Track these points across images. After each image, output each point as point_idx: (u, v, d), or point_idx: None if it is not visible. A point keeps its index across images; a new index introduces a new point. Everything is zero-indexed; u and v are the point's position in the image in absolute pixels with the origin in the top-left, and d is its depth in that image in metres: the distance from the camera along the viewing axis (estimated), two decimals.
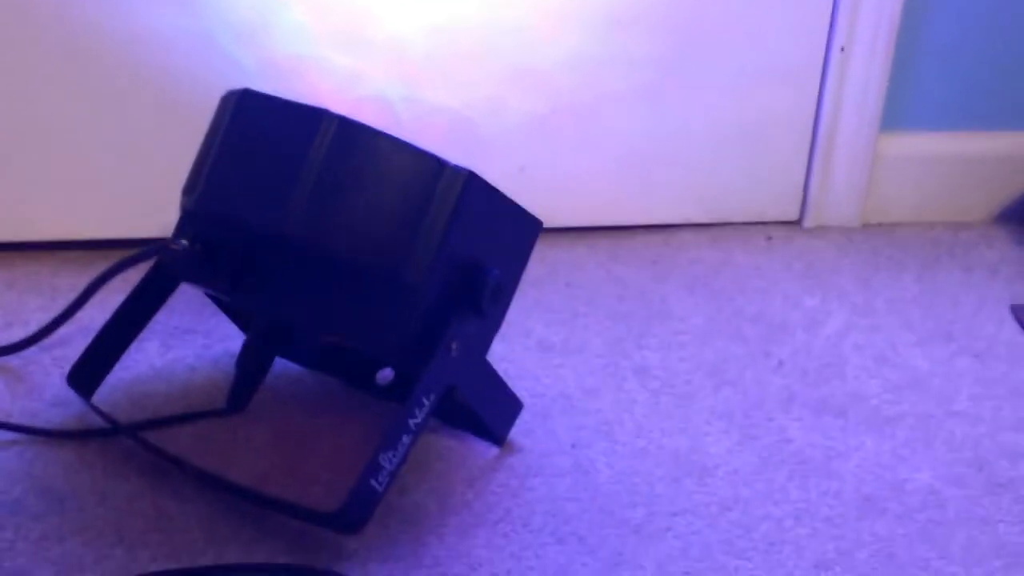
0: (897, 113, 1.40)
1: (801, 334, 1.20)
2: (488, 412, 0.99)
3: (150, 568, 0.87)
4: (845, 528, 0.95)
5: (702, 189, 1.38)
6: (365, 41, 1.25)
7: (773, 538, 0.93)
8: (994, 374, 1.15)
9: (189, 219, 0.96)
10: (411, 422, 0.90)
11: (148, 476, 0.96)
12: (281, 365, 1.09)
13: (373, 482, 0.88)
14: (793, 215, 1.42)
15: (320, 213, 0.89)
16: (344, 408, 1.06)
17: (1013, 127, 1.43)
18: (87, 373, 1.02)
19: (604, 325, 1.20)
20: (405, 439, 0.90)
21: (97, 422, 1.00)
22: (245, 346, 1.00)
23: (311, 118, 0.91)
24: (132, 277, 1.05)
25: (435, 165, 0.90)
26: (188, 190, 0.97)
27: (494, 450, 1.02)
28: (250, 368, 1.00)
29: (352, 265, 0.90)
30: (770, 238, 1.39)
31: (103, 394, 1.04)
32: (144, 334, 1.06)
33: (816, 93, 1.36)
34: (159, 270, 1.02)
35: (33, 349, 1.10)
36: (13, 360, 1.09)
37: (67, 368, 1.03)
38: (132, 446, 0.99)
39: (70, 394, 1.03)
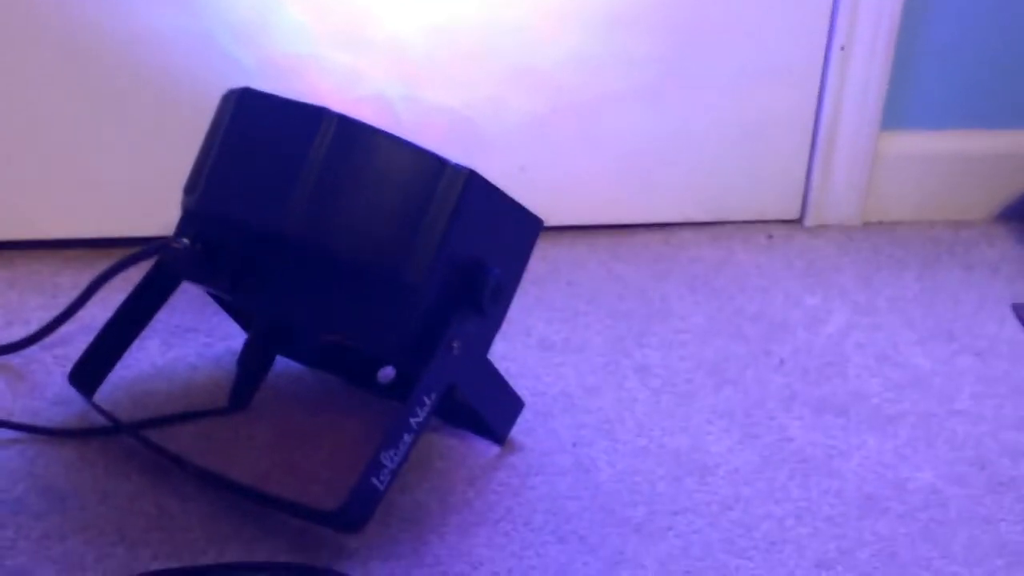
0: (897, 112, 1.40)
1: (802, 333, 1.20)
2: (489, 411, 0.99)
3: (151, 567, 0.87)
4: (847, 527, 0.95)
5: (703, 188, 1.38)
6: (365, 40, 1.25)
7: (774, 537, 0.93)
8: (996, 373, 1.15)
9: (190, 218, 0.97)
10: (412, 421, 0.90)
11: (149, 475, 0.96)
12: (282, 364, 1.09)
13: (374, 481, 0.88)
14: (794, 214, 1.42)
15: (320, 212, 0.89)
16: (345, 407, 1.06)
17: (1013, 126, 1.43)
18: (88, 372, 1.02)
19: (605, 324, 1.20)
20: (406, 438, 0.90)
21: (99, 421, 1.00)
22: (246, 345, 1.00)
23: (311, 117, 0.91)
24: (133, 276, 1.05)
25: (436, 164, 0.90)
26: (189, 189, 0.97)
27: (495, 449, 1.02)
28: (251, 367, 1.00)
29: (352, 264, 0.90)
30: (771, 237, 1.39)
31: (104, 393, 1.04)
32: (145, 332, 1.06)
33: (816, 92, 1.36)
34: (160, 269, 1.02)
35: (34, 348, 1.10)
36: (14, 359, 1.09)
37: (68, 367, 1.03)
38: (133, 445, 0.99)
39: (71, 393, 1.03)
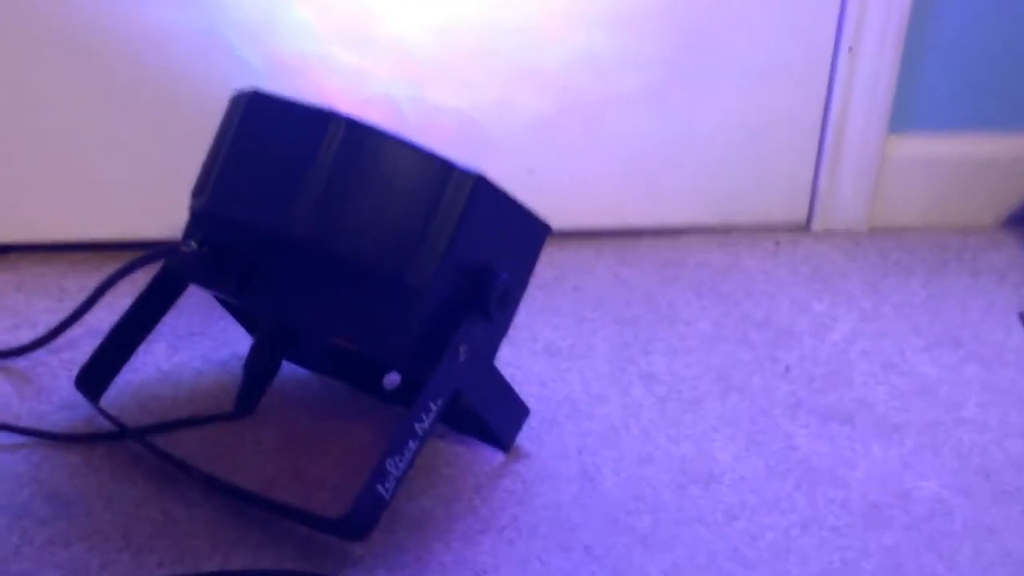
0: (905, 115, 1.39)
1: (808, 340, 1.20)
2: (495, 417, 0.99)
3: (157, 573, 0.87)
4: (852, 538, 0.95)
5: (709, 192, 1.38)
6: (370, 40, 1.25)
7: (779, 547, 0.93)
8: (1002, 381, 1.15)
9: (198, 221, 0.96)
10: (418, 427, 0.90)
11: (155, 480, 0.96)
12: (288, 369, 1.09)
13: (379, 488, 0.88)
14: (801, 219, 1.41)
15: (328, 215, 0.89)
16: (351, 412, 1.06)
17: (1022, 130, 1.42)
18: (95, 376, 1.02)
19: (611, 330, 1.20)
20: (412, 444, 0.89)
21: (105, 425, 1.00)
22: (252, 349, 1.00)
23: (319, 120, 0.91)
24: (140, 279, 1.05)
25: (443, 168, 0.90)
26: (197, 192, 0.97)
27: (500, 456, 1.01)
28: (258, 372, 1.00)
29: (357, 267, 0.90)
30: (778, 243, 1.38)
31: (110, 397, 1.04)
32: (152, 336, 1.06)
33: (824, 94, 1.36)
34: (167, 272, 1.02)
35: (41, 351, 1.10)
36: (21, 362, 1.09)
37: (75, 371, 1.03)
38: (139, 450, 0.99)
39: (78, 397, 1.03)
